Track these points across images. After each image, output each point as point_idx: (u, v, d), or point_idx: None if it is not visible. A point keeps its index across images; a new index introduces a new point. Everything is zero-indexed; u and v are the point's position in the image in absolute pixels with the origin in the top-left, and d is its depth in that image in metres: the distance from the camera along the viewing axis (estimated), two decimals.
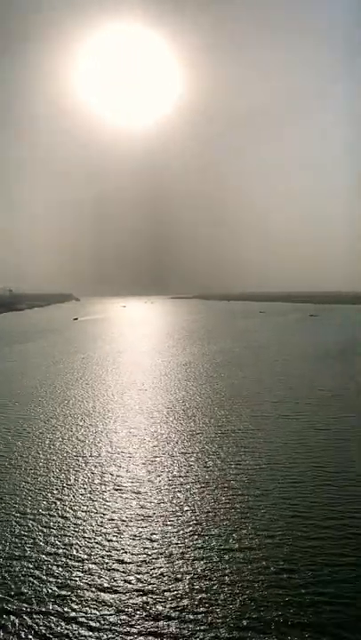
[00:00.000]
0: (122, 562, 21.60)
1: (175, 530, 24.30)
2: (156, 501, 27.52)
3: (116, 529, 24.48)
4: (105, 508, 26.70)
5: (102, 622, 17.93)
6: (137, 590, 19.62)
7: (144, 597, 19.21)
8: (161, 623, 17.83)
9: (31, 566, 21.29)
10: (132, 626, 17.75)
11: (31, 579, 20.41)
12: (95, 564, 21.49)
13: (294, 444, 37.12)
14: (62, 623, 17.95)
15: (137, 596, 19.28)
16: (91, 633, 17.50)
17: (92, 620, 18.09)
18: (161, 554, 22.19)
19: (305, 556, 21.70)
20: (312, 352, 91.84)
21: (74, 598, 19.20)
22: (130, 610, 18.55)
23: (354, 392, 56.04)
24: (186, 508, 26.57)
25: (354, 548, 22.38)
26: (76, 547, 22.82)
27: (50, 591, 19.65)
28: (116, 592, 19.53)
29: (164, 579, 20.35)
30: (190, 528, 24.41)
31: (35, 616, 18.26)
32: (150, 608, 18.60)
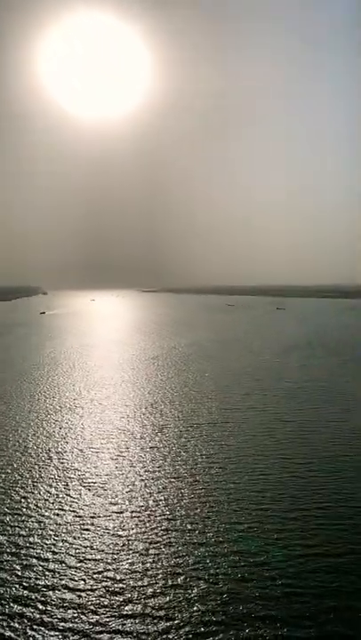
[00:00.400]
0: (87, 559, 21.17)
1: (143, 523, 24.00)
2: (124, 495, 27.15)
3: (82, 524, 23.99)
4: (72, 505, 26.16)
5: (64, 620, 17.50)
6: (104, 587, 19.24)
7: (110, 595, 18.85)
8: (127, 621, 17.53)
9: None
10: (96, 623, 17.39)
11: None
12: (60, 562, 20.99)
13: (262, 436, 37.32)
14: (23, 622, 17.42)
15: (103, 593, 18.90)
16: (52, 632, 17.05)
17: (54, 617, 17.63)
18: (128, 549, 21.86)
19: (271, 547, 21.76)
20: (278, 344, 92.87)
21: (36, 597, 18.67)
22: (92, 607, 18.17)
23: (319, 383, 56.87)
24: (155, 502, 26.31)
25: (319, 539, 22.58)
26: (41, 544, 22.25)
27: (10, 591, 19.05)
28: (79, 590, 19.10)
29: (132, 574, 20.03)
30: (159, 522, 24.17)
31: None
32: (115, 605, 18.26)
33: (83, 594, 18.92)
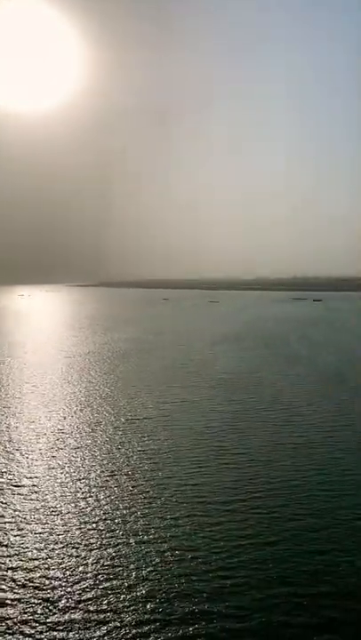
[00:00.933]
0: (19, 562, 20.04)
1: (78, 524, 23.14)
2: (57, 496, 26.08)
3: (10, 528, 22.73)
4: (2, 507, 24.76)
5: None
6: (37, 590, 18.27)
7: (39, 603, 17.92)
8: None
9: None
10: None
11: None
12: None
13: (198, 427, 37.41)
14: None
15: (37, 599, 17.94)
16: None
17: None
18: (62, 550, 20.96)
19: (206, 539, 21.71)
20: (211, 337, 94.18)
21: None
22: (20, 617, 17.19)
23: (253, 374, 58.12)
24: (90, 502, 25.47)
25: (251, 529, 22.83)
26: None
27: None
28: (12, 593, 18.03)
29: (67, 577, 19.18)
30: (94, 521, 23.40)
31: None
32: (42, 612, 17.39)
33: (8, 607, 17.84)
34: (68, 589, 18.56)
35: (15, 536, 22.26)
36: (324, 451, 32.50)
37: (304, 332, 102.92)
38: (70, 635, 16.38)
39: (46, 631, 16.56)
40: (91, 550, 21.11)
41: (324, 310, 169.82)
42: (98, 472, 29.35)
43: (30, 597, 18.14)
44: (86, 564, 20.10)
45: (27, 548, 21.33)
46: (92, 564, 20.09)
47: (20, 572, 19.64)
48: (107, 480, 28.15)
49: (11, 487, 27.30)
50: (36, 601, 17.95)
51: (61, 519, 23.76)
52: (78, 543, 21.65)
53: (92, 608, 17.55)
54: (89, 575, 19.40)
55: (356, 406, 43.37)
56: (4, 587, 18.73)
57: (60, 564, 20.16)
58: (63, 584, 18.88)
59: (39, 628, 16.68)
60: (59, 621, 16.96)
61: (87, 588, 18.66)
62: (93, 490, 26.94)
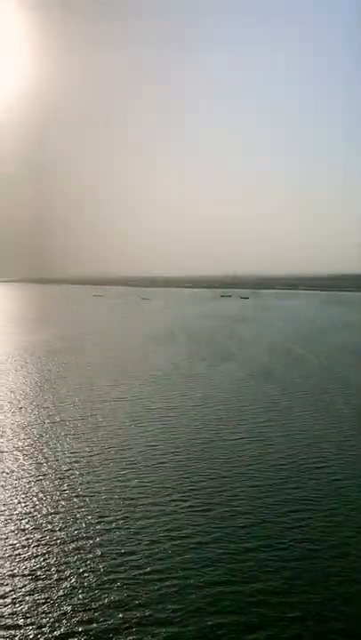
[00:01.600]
0: None
1: None
2: None
3: None
4: None
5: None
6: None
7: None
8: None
9: None
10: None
11: None
12: None
13: (129, 424, 37.47)
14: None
15: None
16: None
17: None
18: None
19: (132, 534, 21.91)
20: (143, 334, 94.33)
21: None
22: None
23: (184, 371, 58.97)
24: (11, 505, 24.85)
25: (178, 522, 23.33)
26: None
27: None
28: None
29: None
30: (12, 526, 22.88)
31: None
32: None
33: None
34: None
35: None
36: (255, 443, 33.76)
37: (232, 328, 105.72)
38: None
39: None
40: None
41: (250, 307, 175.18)
42: (21, 474, 28.65)
43: None
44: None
45: None
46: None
47: None
48: (29, 482, 27.56)
49: None
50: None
51: None
52: None
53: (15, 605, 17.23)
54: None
55: (280, 397, 45.37)
56: None
57: None
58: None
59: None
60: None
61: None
62: (10, 490, 26.29)
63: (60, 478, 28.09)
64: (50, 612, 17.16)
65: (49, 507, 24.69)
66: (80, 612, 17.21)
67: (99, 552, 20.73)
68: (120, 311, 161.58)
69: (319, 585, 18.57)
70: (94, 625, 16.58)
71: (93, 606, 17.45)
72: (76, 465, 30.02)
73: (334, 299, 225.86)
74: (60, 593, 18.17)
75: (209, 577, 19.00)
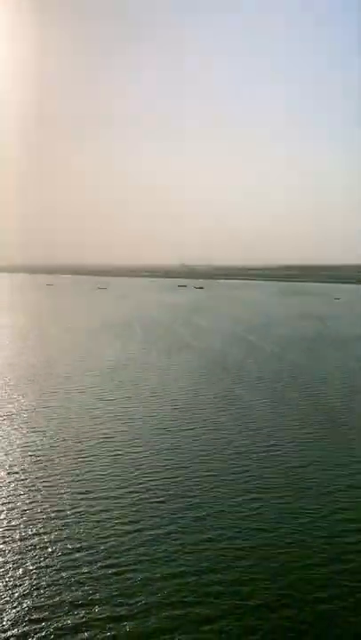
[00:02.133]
0: None
1: None
2: None
3: None
4: None
5: None
6: None
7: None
8: None
9: None
10: None
11: None
12: None
13: (83, 413, 36.71)
14: None
15: None
16: None
17: None
18: None
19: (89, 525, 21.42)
20: (97, 325, 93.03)
21: None
22: None
23: (139, 361, 58.49)
24: None
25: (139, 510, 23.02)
26: None
27: None
28: None
29: None
30: None
31: None
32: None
33: None
34: None
35: None
36: (209, 431, 33.80)
37: (186, 318, 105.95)
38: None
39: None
40: None
41: (205, 297, 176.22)
42: None
43: None
44: None
45: None
46: None
47: None
48: None
49: None
50: None
51: None
52: None
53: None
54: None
55: (235, 386, 45.74)
56: None
57: None
58: None
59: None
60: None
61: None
62: None
63: (9, 473, 27.10)
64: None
65: None
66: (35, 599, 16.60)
67: (50, 548, 20.10)
68: (74, 301, 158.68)
69: (274, 573, 18.71)
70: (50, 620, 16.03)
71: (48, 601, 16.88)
72: (25, 460, 29.06)
73: (289, 289, 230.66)
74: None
75: (163, 570, 18.77)
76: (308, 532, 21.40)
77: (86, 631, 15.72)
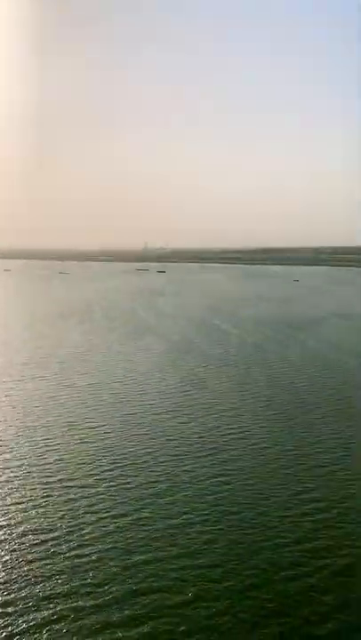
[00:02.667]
0: None
1: None
2: None
3: None
4: None
5: None
6: None
7: None
8: None
9: None
10: None
11: None
12: None
13: (45, 401, 36.04)
14: None
15: None
16: None
17: None
18: None
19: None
20: (57, 310, 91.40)
21: None
22: None
23: (104, 346, 57.86)
24: None
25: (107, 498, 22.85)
26: None
27: None
28: None
29: None
30: None
31: None
32: None
33: None
34: None
35: None
36: (173, 413, 33.82)
37: (150, 301, 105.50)
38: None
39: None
40: None
41: (167, 281, 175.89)
42: None
43: None
44: None
45: None
46: None
47: None
48: None
49: None
50: None
51: None
52: None
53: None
54: None
55: (198, 368, 45.95)
56: None
57: None
58: None
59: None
60: None
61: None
62: None
63: None
64: None
65: None
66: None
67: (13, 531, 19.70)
68: (34, 286, 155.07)
69: (242, 554, 18.96)
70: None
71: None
72: None
73: (251, 271, 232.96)
74: None
75: (126, 558, 18.73)
76: (273, 513, 21.74)
77: (57, 623, 15.49)
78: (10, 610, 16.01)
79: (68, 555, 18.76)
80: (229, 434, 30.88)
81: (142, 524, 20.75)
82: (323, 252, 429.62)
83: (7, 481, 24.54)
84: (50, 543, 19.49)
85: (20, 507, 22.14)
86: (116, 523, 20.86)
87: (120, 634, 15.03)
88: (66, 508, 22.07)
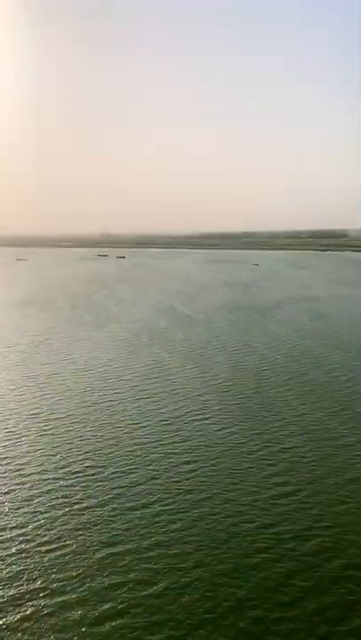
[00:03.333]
0: None
1: None
2: None
3: None
4: None
5: None
6: None
7: None
8: None
9: None
10: None
11: None
12: None
13: (4, 395, 35.08)
14: None
15: None
16: None
17: None
18: None
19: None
20: (17, 297, 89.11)
21: None
22: None
23: (65, 334, 56.78)
24: None
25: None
26: None
27: None
28: None
29: None
30: None
31: None
32: None
33: None
34: None
35: None
36: (140, 402, 33.55)
37: (111, 288, 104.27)
38: None
39: None
40: None
41: (128, 267, 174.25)
42: None
43: None
44: None
45: None
46: None
47: None
48: None
49: None
50: None
51: None
52: None
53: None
54: None
55: (163, 355, 45.79)
56: None
57: None
58: None
59: None
60: None
61: None
62: None
63: None
64: None
65: None
66: None
67: None
68: None
69: (216, 541, 19.02)
70: None
71: None
72: None
73: (211, 256, 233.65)
74: None
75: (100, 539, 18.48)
76: (242, 499, 21.87)
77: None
78: None
79: (36, 550, 18.30)
80: (195, 419, 30.88)
81: (111, 516, 20.44)
82: (280, 236, 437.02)
83: None
84: (17, 540, 18.98)
85: None
86: (82, 514, 20.49)
87: (88, 629, 14.79)
88: (30, 501, 21.49)
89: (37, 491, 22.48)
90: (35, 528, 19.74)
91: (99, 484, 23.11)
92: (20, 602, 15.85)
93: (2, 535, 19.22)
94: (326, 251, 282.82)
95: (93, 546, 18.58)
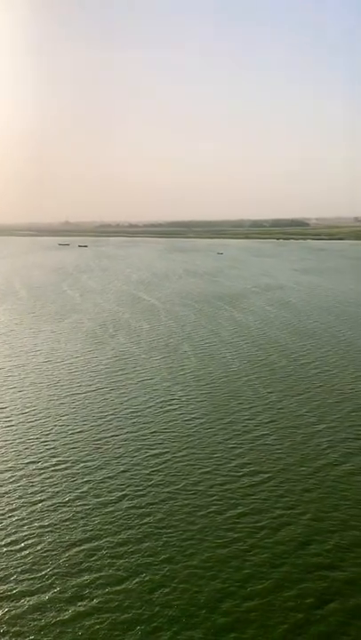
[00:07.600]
0: None
1: None
2: None
3: None
4: None
5: None
6: None
7: None
8: None
9: None
10: None
11: None
12: None
13: None
14: None
15: None
16: None
17: None
18: None
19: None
20: None
21: None
22: None
23: (29, 327, 55.30)
24: None
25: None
26: None
27: None
28: None
29: None
30: None
31: None
32: None
33: None
34: None
35: None
36: (105, 390, 32.98)
37: (74, 278, 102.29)
38: None
39: None
40: None
41: (91, 256, 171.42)
42: None
43: None
44: None
45: None
46: None
47: None
48: None
49: None
50: None
51: None
52: None
53: None
54: None
55: (128, 344, 45.16)
56: None
57: None
58: None
59: None
60: None
61: None
62: None
63: None
64: None
65: None
66: None
67: None
68: None
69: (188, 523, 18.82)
70: None
71: None
72: None
73: (175, 245, 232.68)
74: None
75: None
76: (207, 482, 21.79)
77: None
78: None
79: (5, 551, 17.64)
80: (164, 410, 30.58)
81: (81, 512, 19.95)
82: (243, 225, 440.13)
83: None
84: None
85: None
86: (50, 512, 19.91)
87: (62, 629, 14.34)
88: None
89: (2, 489, 21.69)
90: (0, 528, 19.00)
91: (67, 479, 22.51)
92: None
93: None
94: (289, 239, 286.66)
95: (63, 544, 18.09)
